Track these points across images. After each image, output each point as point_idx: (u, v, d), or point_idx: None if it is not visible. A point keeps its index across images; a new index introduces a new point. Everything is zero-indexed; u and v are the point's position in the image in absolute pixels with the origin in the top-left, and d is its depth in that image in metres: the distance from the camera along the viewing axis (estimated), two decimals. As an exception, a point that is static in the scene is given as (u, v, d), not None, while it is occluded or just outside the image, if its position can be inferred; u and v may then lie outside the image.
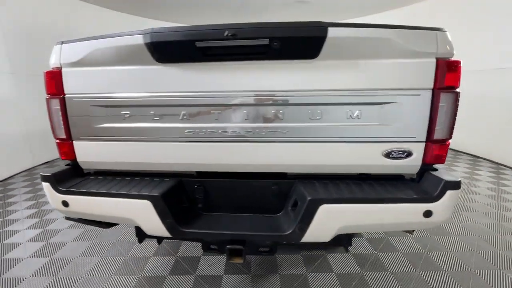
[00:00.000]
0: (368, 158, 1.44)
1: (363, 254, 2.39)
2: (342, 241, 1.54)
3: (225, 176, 1.60)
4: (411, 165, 1.44)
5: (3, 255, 2.41)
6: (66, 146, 1.57)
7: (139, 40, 1.34)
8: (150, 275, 2.14)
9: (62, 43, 1.48)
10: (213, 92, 1.42)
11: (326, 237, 1.38)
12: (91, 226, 1.73)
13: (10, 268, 2.23)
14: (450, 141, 1.43)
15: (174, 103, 1.45)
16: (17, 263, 2.30)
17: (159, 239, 2.09)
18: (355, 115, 1.39)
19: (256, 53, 1.34)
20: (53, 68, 1.51)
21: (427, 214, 1.33)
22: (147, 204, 1.40)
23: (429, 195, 1.32)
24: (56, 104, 1.51)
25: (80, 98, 1.50)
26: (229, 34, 1.26)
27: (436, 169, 1.48)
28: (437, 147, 1.41)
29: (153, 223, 1.43)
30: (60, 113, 1.52)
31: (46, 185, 1.49)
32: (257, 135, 1.45)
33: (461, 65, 1.35)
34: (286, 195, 1.57)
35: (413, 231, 1.67)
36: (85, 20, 5.97)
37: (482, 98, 5.09)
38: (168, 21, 7.69)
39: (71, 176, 1.61)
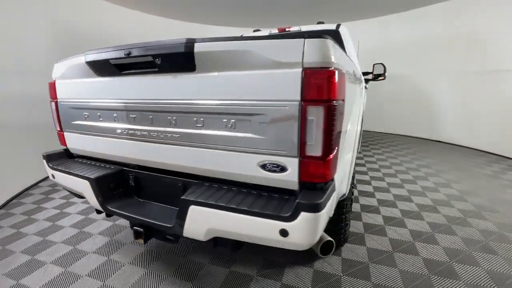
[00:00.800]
0: (246, 168, 1.44)
1: (326, 273, 2.21)
2: (228, 244, 1.58)
3: (152, 170, 1.88)
4: (288, 180, 1.36)
5: (63, 209, 3.42)
6: (61, 136, 2.20)
7: (83, 59, 1.77)
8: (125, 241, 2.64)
9: (57, 62, 2.07)
10: (128, 100, 1.74)
11: (200, 236, 1.48)
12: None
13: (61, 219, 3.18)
14: (331, 157, 1.28)
15: (108, 107, 1.83)
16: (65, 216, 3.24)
17: (102, 212, 2.08)
18: (229, 125, 1.43)
19: (151, 67, 1.56)
20: (53, 79, 2.13)
21: (283, 233, 1.26)
22: (87, 183, 1.84)
23: (286, 213, 1.25)
24: (53, 105, 2.14)
25: (64, 102, 2.08)
26: (126, 53, 1.53)
27: (320, 188, 1.35)
28: (313, 164, 1.29)
29: (92, 199, 1.86)
30: (55, 112, 2.14)
31: (44, 161, 2.14)
32: (160, 138, 1.67)
33: (337, 75, 1.20)
34: None
35: (327, 254, 1.53)
36: (144, 28, 6.77)
37: None
38: (222, 25, 8.26)
39: (63, 157, 2.23)
